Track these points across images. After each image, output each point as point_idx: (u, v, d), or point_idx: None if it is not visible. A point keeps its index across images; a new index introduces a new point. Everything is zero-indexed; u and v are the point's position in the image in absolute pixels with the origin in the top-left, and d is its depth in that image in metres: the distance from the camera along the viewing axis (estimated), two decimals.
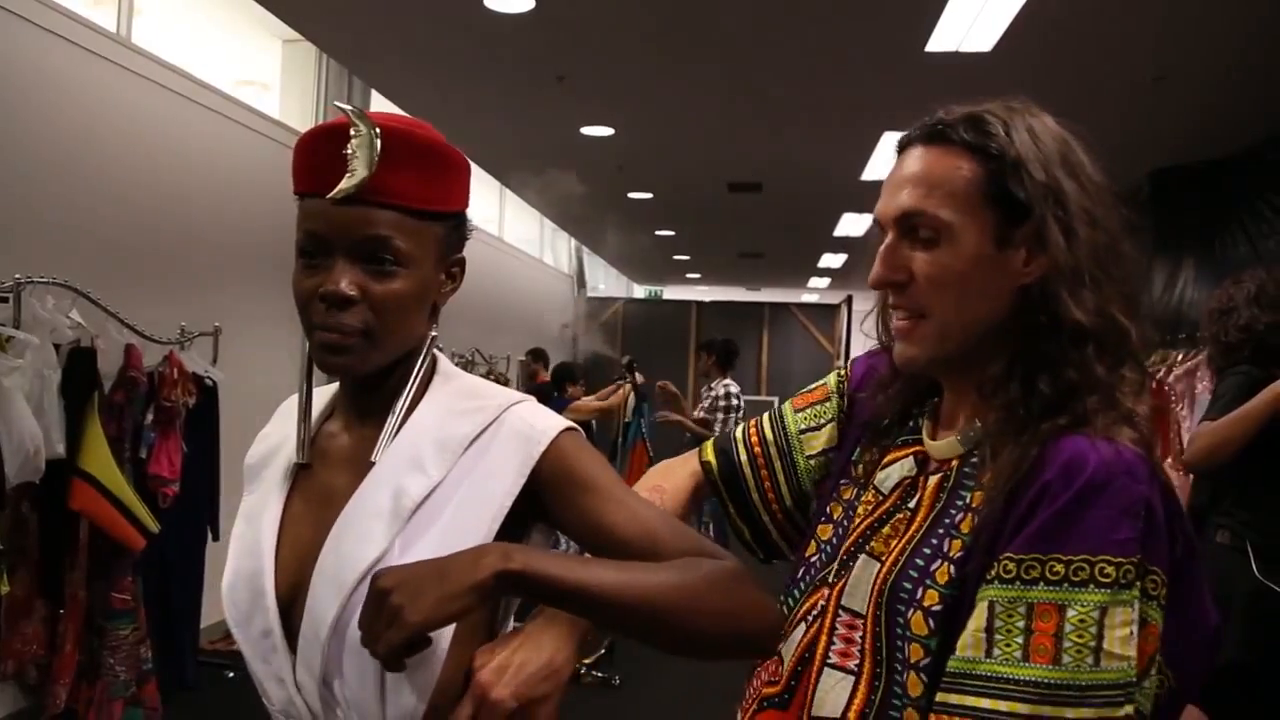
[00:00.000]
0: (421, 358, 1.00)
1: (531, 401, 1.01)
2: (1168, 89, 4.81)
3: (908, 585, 0.92)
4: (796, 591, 1.07)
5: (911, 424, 1.07)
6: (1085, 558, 0.82)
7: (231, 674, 4.36)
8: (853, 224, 9.05)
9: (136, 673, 3.71)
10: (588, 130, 6.16)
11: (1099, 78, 4.77)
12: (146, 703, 3.75)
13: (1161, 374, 4.35)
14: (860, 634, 0.94)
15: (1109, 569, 0.81)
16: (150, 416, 3.87)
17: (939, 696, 0.86)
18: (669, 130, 6.18)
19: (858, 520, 1.03)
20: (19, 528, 3.41)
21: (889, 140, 6.06)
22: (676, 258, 12.79)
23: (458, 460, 0.96)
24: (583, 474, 0.95)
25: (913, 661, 0.89)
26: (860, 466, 1.08)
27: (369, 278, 0.92)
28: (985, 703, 0.82)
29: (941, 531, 0.93)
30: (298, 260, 0.95)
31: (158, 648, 3.85)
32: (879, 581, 0.94)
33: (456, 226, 1.01)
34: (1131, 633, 0.81)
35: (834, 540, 1.06)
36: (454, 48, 4.72)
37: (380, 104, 6.22)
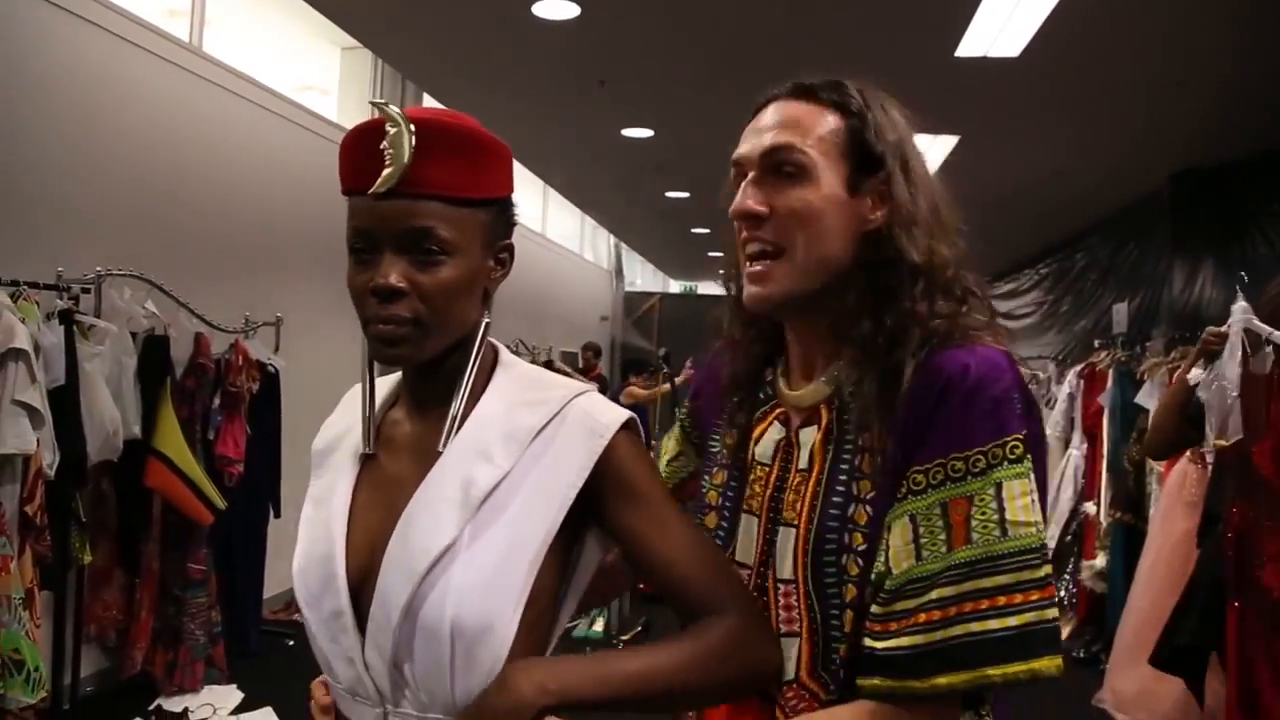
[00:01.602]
0: (477, 345, 0.97)
1: (593, 392, 0.98)
2: (1188, 93, 4.71)
3: (830, 538, 0.92)
4: None
5: (762, 395, 1.07)
6: (979, 449, 0.86)
7: (291, 642, 4.42)
8: None
9: (209, 636, 3.80)
10: (628, 132, 6.14)
11: (1122, 82, 4.68)
12: (217, 664, 3.83)
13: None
14: (795, 598, 0.94)
15: (998, 451, 0.86)
16: (217, 401, 3.93)
17: (876, 609, 0.88)
18: (706, 132, 6.14)
19: (752, 495, 1.02)
20: (100, 503, 3.49)
21: (918, 141, 5.98)
22: (711, 255, 12.74)
23: (525, 451, 0.93)
24: (635, 485, 0.94)
25: (848, 600, 0.91)
26: (724, 451, 1.08)
27: (416, 269, 0.90)
28: (923, 599, 0.85)
29: (844, 479, 0.94)
30: (350, 257, 0.93)
31: (224, 616, 3.93)
32: (800, 544, 0.94)
33: (501, 212, 0.98)
34: (1032, 500, 0.85)
35: (722, 528, 1.05)
36: (502, 53, 4.74)
37: (430, 105, 6.26)
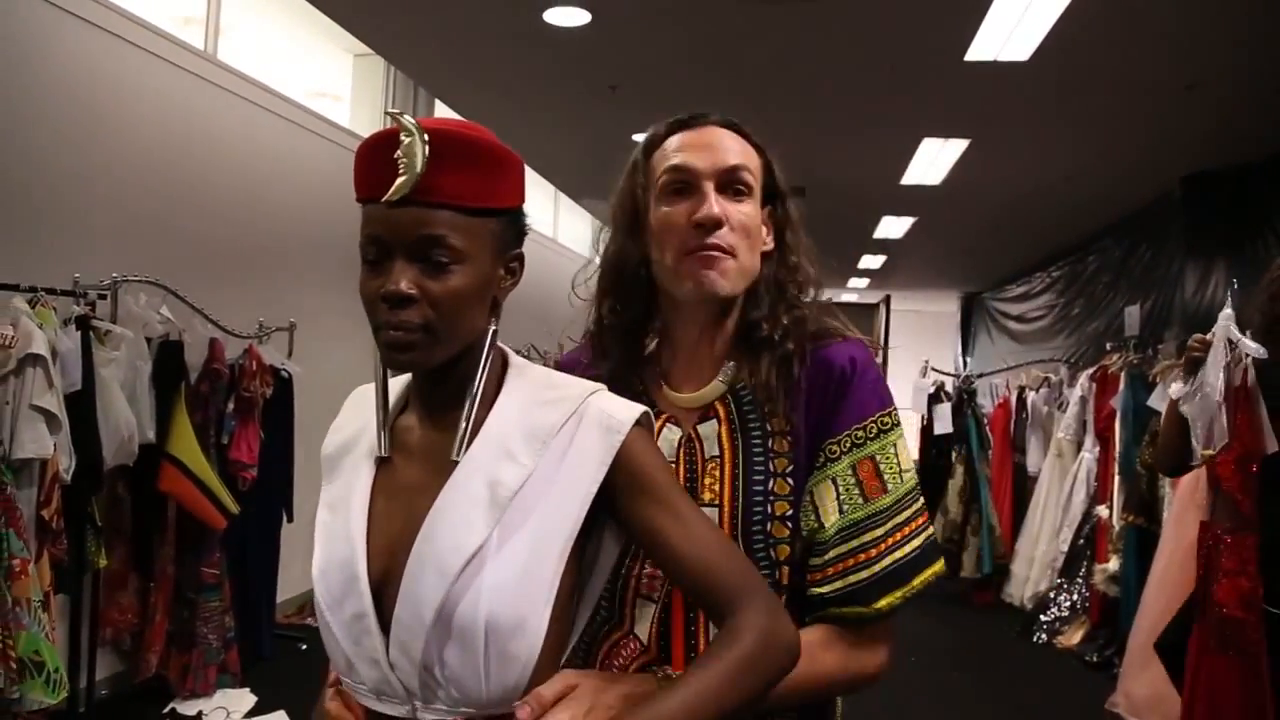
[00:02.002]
0: (486, 351, 0.99)
1: (604, 390, 1.01)
2: (1199, 96, 4.69)
3: (757, 509, 1.08)
4: (620, 576, 1.12)
5: (630, 397, 1.10)
6: (871, 419, 1.09)
7: (304, 646, 4.44)
8: (892, 226, 8.94)
9: (223, 641, 3.81)
10: (639, 137, 6.13)
11: (1133, 85, 4.67)
12: (230, 668, 3.84)
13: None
14: None
15: (886, 419, 1.10)
16: (231, 405, 3.95)
17: (815, 560, 1.06)
18: None
19: None
20: (115, 507, 3.51)
21: (928, 146, 5.99)
22: None
23: (547, 448, 0.95)
24: (650, 480, 0.97)
25: (781, 559, 1.07)
26: None
27: (426, 276, 0.92)
28: (854, 543, 1.06)
29: (759, 458, 1.10)
30: (363, 264, 0.95)
31: (237, 620, 3.94)
32: (726, 519, 1.08)
33: (512, 222, 0.99)
34: (907, 452, 1.11)
35: None
36: (513, 60, 4.75)
37: (443, 113, 6.28)
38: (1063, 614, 5.44)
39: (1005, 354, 10.72)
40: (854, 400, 1.08)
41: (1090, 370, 5.67)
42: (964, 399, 6.84)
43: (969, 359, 13.58)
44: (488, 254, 0.95)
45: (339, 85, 6.07)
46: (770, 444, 1.09)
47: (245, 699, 3.78)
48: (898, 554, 1.06)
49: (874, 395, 1.09)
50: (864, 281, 14.21)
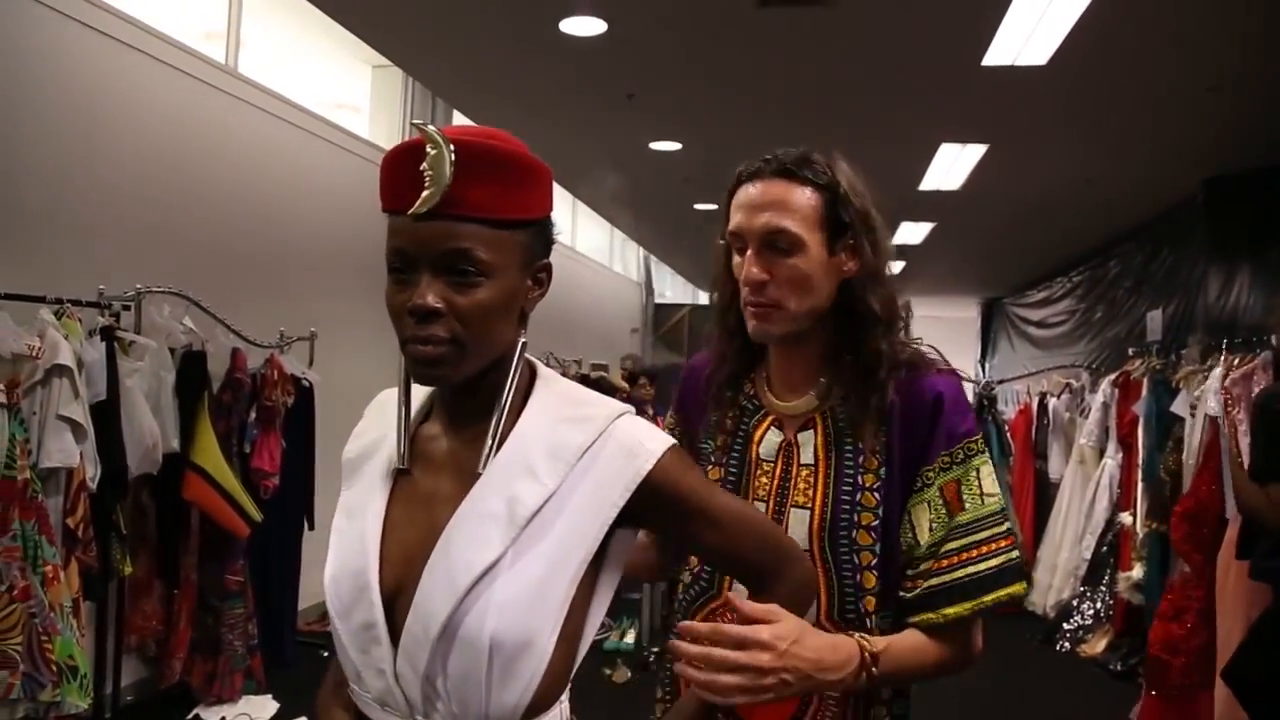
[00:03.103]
0: (515, 364, 0.98)
1: (633, 413, 1.00)
2: (1222, 99, 4.65)
3: (843, 517, 1.20)
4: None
5: (746, 404, 1.31)
6: (957, 446, 1.20)
7: (326, 653, 4.45)
8: (911, 232, 8.91)
9: (247, 647, 3.84)
10: (656, 145, 6.17)
11: (1153, 88, 4.64)
12: (254, 675, 3.87)
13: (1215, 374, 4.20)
14: (811, 562, 1.18)
15: (971, 446, 1.20)
16: (253, 415, 3.98)
17: (909, 571, 1.18)
18: (734, 144, 6.15)
19: (764, 489, 1.26)
20: (139, 515, 3.54)
21: (947, 151, 5.97)
22: None
23: (571, 470, 0.94)
24: (689, 496, 0.99)
25: (864, 564, 1.18)
26: (717, 440, 1.31)
27: (453, 289, 0.90)
28: (942, 549, 1.17)
29: (850, 473, 1.21)
30: (389, 276, 0.93)
31: (260, 627, 3.97)
32: (816, 521, 1.20)
33: (540, 232, 0.98)
34: (993, 478, 1.21)
35: None
36: (531, 70, 4.78)
37: (460, 122, 6.32)
38: (1085, 622, 5.39)
39: (1026, 360, 10.65)
40: (943, 430, 1.19)
41: (1112, 376, 5.62)
42: (984, 405, 6.80)
43: (989, 365, 13.50)
44: (515, 265, 0.94)
45: (358, 97, 6.13)
46: (860, 460, 1.21)
47: (268, 705, 3.80)
48: (970, 569, 1.16)
49: (961, 424, 1.21)
50: None
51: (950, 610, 1.15)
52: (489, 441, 0.95)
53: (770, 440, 1.26)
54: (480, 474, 0.94)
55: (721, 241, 1.28)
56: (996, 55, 4.23)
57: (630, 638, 4.99)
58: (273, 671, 4.04)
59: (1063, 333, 9.47)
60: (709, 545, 1.03)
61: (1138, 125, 5.23)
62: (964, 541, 1.17)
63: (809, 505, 1.21)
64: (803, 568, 1.10)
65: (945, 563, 1.16)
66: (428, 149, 0.89)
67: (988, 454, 1.22)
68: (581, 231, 10.32)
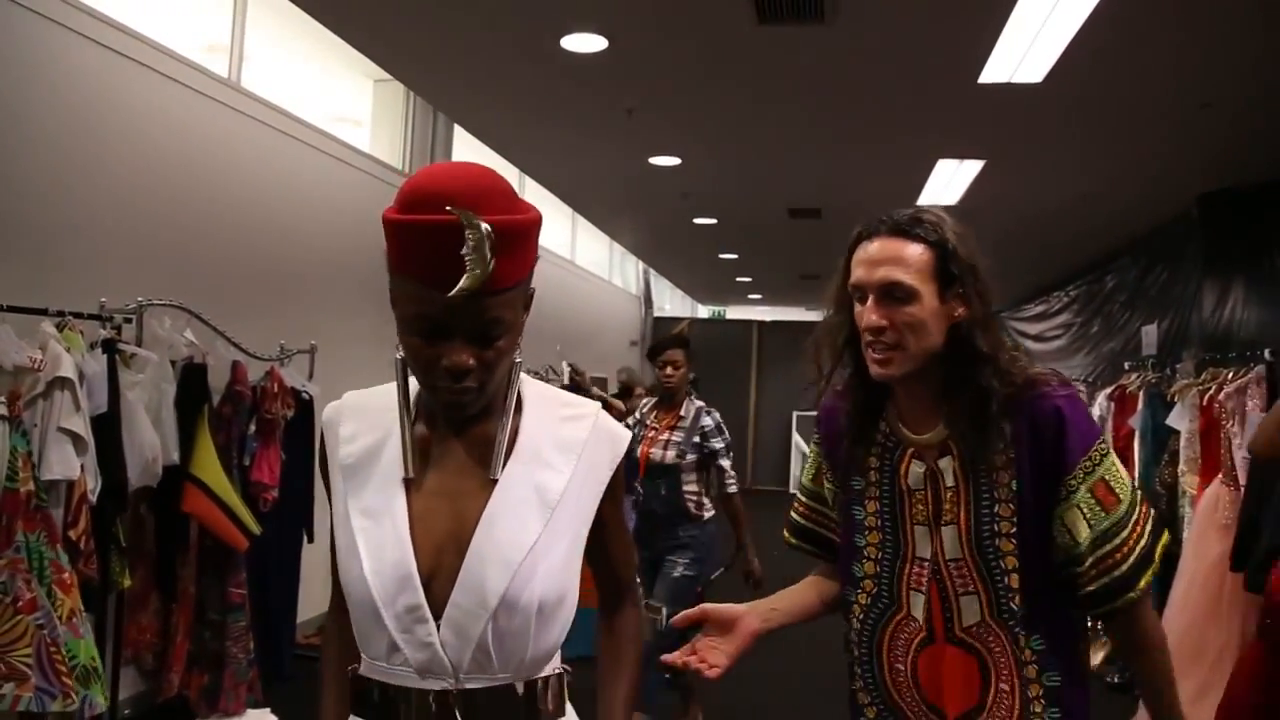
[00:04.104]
0: (513, 379, 1.15)
1: (601, 408, 1.23)
2: (1214, 116, 4.67)
3: (985, 529, 1.36)
4: (883, 579, 1.45)
5: (881, 438, 1.46)
6: (1092, 449, 1.34)
7: None
8: None
9: (248, 660, 3.82)
10: (655, 160, 6.19)
11: (1147, 106, 4.66)
12: (253, 688, 3.85)
13: (1212, 391, 4.21)
14: (967, 570, 1.37)
15: (1101, 447, 1.36)
16: (253, 427, 3.98)
17: (1078, 569, 1.33)
18: (732, 159, 6.19)
19: (921, 515, 1.41)
20: (138, 528, 3.53)
21: (944, 167, 5.99)
22: (739, 279, 12.76)
23: (579, 459, 1.16)
24: (620, 487, 1.24)
25: (1009, 567, 1.35)
26: (868, 477, 1.47)
27: (480, 346, 1.05)
28: (1106, 548, 1.34)
29: (986, 491, 1.36)
30: (413, 333, 1.05)
31: (258, 641, 3.95)
32: (964, 534, 1.37)
33: (531, 274, 1.11)
34: (1120, 465, 1.39)
35: (887, 541, 1.45)
36: (532, 85, 4.80)
37: (462, 136, 6.34)
38: None
39: None
40: (1074, 440, 1.33)
41: (1108, 389, 5.63)
42: None
43: None
44: (521, 310, 1.10)
45: (360, 110, 6.15)
46: (995, 477, 1.36)
47: (266, 719, 3.79)
48: (1142, 543, 1.36)
49: (1089, 431, 1.36)
50: None
51: (1143, 582, 1.35)
52: (501, 442, 1.12)
53: (915, 471, 1.42)
54: (500, 471, 1.11)
55: (842, 284, 1.44)
56: (993, 73, 4.26)
57: None
58: (271, 684, 4.02)
59: (1059, 346, 9.48)
60: (612, 531, 1.24)
61: (1132, 142, 5.25)
62: (1130, 526, 1.35)
63: (955, 521, 1.38)
64: (638, 605, 1.35)
65: (1125, 549, 1.34)
66: (467, 234, 0.97)
67: (1113, 452, 1.40)
68: (581, 245, 10.34)
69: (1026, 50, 3.99)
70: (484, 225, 0.97)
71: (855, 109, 4.98)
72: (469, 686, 1.09)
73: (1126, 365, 5.80)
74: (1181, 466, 4.38)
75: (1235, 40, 3.85)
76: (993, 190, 6.41)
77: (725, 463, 3.72)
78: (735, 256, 10.60)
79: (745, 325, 14.38)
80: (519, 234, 1.02)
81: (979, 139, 5.42)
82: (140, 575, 3.54)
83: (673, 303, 15.78)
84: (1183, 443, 4.38)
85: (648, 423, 3.82)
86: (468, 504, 1.11)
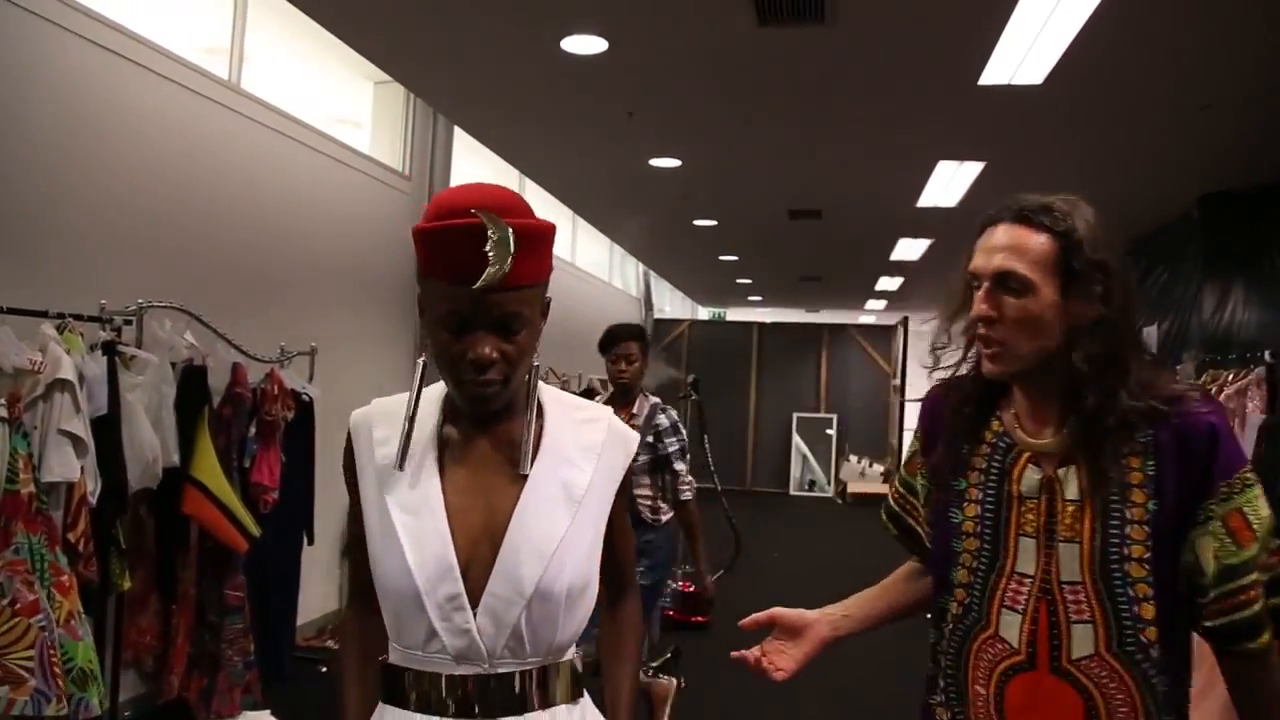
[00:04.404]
0: (534, 382, 1.23)
1: (612, 412, 1.34)
2: (1215, 117, 4.68)
3: (1113, 551, 1.24)
4: (974, 591, 1.33)
5: (991, 437, 1.35)
6: (1235, 477, 1.23)
7: (325, 669, 4.44)
8: (908, 248, 8.94)
9: (244, 662, 3.82)
10: (655, 162, 6.19)
11: (1148, 107, 4.67)
12: (251, 690, 3.85)
13: (1213, 393, 4.21)
14: (1084, 595, 1.24)
15: (1247, 475, 1.24)
16: (253, 429, 3.97)
17: (1202, 600, 1.23)
18: (732, 161, 6.19)
19: (1031, 525, 1.29)
20: (138, 529, 3.53)
21: (944, 168, 5.99)
22: (739, 281, 12.77)
23: (598, 458, 1.26)
24: (628, 488, 1.32)
25: (1140, 596, 1.23)
26: (970, 478, 1.36)
27: (502, 340, 1.15)
28: (1232, 585, 1.22)
29: (1117, 510, 1.24)
30: (444, 333, 1.14)
31: (258, 643, 3.94)
32: (1086, 557, 1.25)
33: (547, 280, 1.22)
34: (1264, 500, 1.24)
35: (984, 550, 1.33)
36: (532, 87, 4.80)
37: (462, 138, 6.34)
38: None
39: None
40: (1220, 463, 1.22)
41: None
42: None
43: None
44: (539, 311, 1.20)
45: (360, 112, 6.14)
46: (1127, 494, 1.24)
47: None
48: (1264, 597, 1.24)
49: (1237, 456, 1.24)
50: (881, 304, 14.22)
51: (1263, 638, 1.23)
52: (528, 440, 1.21)
53: (1030, 478, 1.31)
54: (529, 466, 1.21)
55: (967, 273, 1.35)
56: (993, 75, 4.26)
57: None
58: (270, 686, 4.02)
59: None
60: (618, 527, 1.32)
61: (1133, 143, 5.25)
62: (1259, 569, 1.23)
63: (1077, 539, 1.26)
64: (638, 595, 1.43)
65: (1253, 594, 1.22)
66: (490, 233, 1.09)
67: (1258, 482, 1.26)
68: (581, 247, 10.34)
69: (1027, 52, 3.99)
70: (509, 230, 1.09)
71: (855, 110, 4.98)
72: (500, 671, 1.18)
73: None
74: None
75: (1235, 41, 3.85)
76: (993, 192, 6.38)
77: (681, 466, 3.52)
78: (735, 258, 10.61)
79: (745, 327, 14.37)
80: (535, 237, 1.13)
81: (979, 140, 5.42)
82: (140, 577, 3.53)
83: (673, 304, 15.78)
84: None
85: None
86: (498, 499, 1.20)
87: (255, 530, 3.71)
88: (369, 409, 1.29)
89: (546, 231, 1.16)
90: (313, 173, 5.04)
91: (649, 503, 3.55)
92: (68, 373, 2.89)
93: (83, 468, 2.95)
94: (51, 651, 2.69)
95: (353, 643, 1.34)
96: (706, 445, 5.78)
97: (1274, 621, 1.25)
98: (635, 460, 1.32)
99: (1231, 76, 4.21)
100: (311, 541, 4.37)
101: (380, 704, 1.23)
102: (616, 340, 3.56)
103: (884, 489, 12.90)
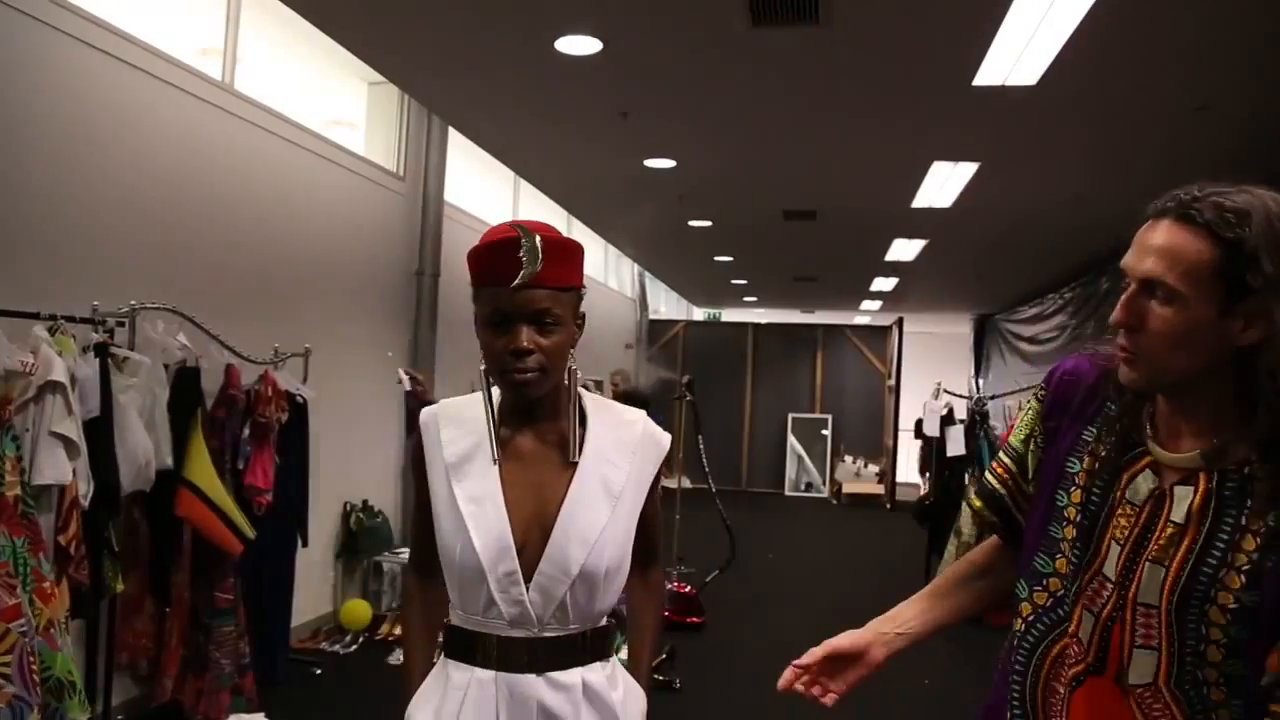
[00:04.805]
0: (575, 383, 1.45)
1: (646, 415, 1.54)
2: (1210, 118, 4.68)
3: (1199, 588, 1.10)
4: (1069, 581, 1.22)
5: (1124, 434, 1.22)
6: None
7: (319, 671, 4.43)
8: (904, 249, 8.94)
9: (236, 665, 3.80)
10: (650, 162, 6.18)
11: (1142, 108, 4.67)
12: (245, 693, 3.83)
13: None
14: (1155, 621, 1.13)
15: None
16: (247, 431, 3.96)
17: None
18: (727, 162, 6.19)
19: (1123, 531, 1.18)
20: (131, 532, 3.52)
21: (938, 169, 5.99)
22: (734, 282, 12.76)
23: (634, 457, 1.48)
24: (660, 480, 1.53)
25: (1212, 639, 1.09)
26: (1084, 463, 1.24)
27: (539, 334, 1.36)
28: None
29: (1222, 545, 1.10)
30: (488, 329, 1.37)
31: (252, 645, 3.93)
32: (1169, 583, 1.12)
33: (580, 294, 1.44)
34: None
35: (1080, 539, 1.21)
36: (526, 88, 4.79)
37: (456, 139, 6.32)
38: None
39: (1018, 375, 10.67)
40: None
41: None
42: (976, 421, 6.80)
43: (982, 381, 13.53)
44: (571, 316, 1.41)
45: (354, 113, 6.13)
46: (1238, 538, 1.10)
47: None
48: None
49: None
50: (876, 304, 14.21)
51: None
52: (575, 438, 1.44)
53: (1141, 484, 1.18)
54: (577, 456, 1.43)
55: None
56: (987, 76, 4.26)
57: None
58: (265, 689, 4.01)
59: (1054, 348, 9.50)
60: (649, 513, 1.52)
61: (1127, 144, 5.26)
62: None
63: (1166, 563, 1.13)
64: (660, 564, 1.66)
65: None
66: (522, 240, 1.34)
67: None
68: None
69: (1021, 53, 3.99)
70: (538, 238, 1.34)
71: (850, 111, 4.98)
72: (546, 635, 1.41)
73: None
74: None
75: (1231, 42, 3.85)
76: (987, 193, 6.42)
77: None
78: (730, 259, 10.60)
79: (741, 328, 14.37)
80: (563, 246, 1.37)
81: (973, 141, 5.42)
82: (134, 580, 3.52)
83: (668, 305, 15.78)
84: None
85: None
86: (547, 491, 1.43)
87: (250, 532, 3.70)
88: (436, 410, 1.51)
89: (572, 244, 1.40)
90: (307, 173, 5.03)
91: None
92: (59, 375, 2.88)
93: (75, 470, 2.93)
94: (30, 659, 2.65)
95: (416, 606, 1.61)
96: (701, 446, 5.77)
97: None
98: None
99: (1227, 78, 4.22)
100: (305, 543, 4.36)
101: (443, 658, 1.48)
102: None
103: (879, 489, 12.92)
